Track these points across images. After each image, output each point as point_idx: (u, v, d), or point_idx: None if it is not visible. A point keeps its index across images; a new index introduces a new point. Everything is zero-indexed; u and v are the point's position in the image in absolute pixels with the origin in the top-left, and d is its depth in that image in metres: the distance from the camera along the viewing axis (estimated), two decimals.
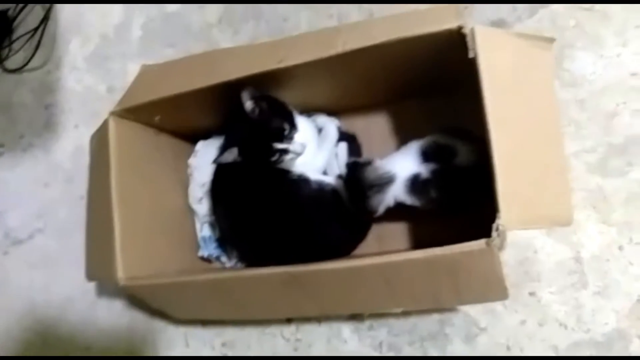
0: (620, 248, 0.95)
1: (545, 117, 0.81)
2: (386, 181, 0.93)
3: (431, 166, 0.92)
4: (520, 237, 1.00)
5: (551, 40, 0.82)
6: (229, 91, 0.92)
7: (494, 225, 0.70)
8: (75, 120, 1.39)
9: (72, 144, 1.37)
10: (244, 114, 0.92)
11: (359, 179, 0.94)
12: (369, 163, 0.95)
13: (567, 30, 1.01)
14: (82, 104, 1.39)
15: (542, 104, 0.82)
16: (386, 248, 1.08)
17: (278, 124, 0.93)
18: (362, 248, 1.08)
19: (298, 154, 0.95)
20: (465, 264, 0.77)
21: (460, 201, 0.94)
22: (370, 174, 0.94)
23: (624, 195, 0.96)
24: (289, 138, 0.94)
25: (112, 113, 0.99)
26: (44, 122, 1.41)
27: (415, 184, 0.92)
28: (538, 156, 0.78)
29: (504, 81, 0.76)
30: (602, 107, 0.98)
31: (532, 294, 0.99)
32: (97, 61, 1.42)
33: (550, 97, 0.83)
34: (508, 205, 0.70)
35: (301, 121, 1.00)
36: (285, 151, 0.94)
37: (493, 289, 0.84)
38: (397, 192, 0.94)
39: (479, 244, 0.72)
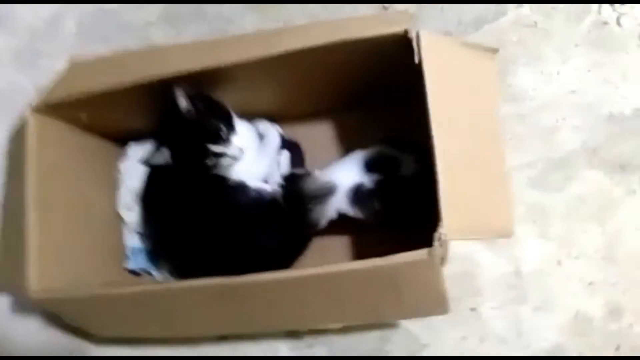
0: (559, 263, 0.95)
1: (488, 128, 0.81)
2: (327, 192, 0.90)
3: (375, 177, 0.89)
4: (461, 250, 0.99)
5: (495, 50, 0.82)
6: (164, 89, 0.86)
7: (436, 234, 0.67)
8: None
9: None
10: (177, 113, 0.86)
11: (298, 191, 0.91)
12: (308, 174, 0.92)
13: (511, 46, 1.02)
14: (5, 102, 1.28)
15: (485, 113, 0.81)
16: (328, 262, 1.03)
17: (214, 125, 0.88)
18: (303, 261, 1.03)
19: (235, 159, 0.89)
20: (406, 275, 0.74)
21: (404, 213, 0.91)
22: (309, 185, 0.91)
23: (563, 209, 0.96)
24: (227, 141, 0.89)
25: (33, 109, 0.90)
26: None
27: (358, 194, 0.89)
28: (480, 165, 0.77)
29: (449, 87, 0.75)
30: (543, 122, 0.99)
31: (473, 309, 0.98)
32: (25, 57, 1.31)
33: (492, 108, 0.82)
34: (450, 214, 0.68)
35: (241, 125, 0.95)
36: (221, 155, 0.88)
37: (434, 302, 0.81)
38: (339, 203, 0.91)
39: (420, 253, 0.69)
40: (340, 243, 1.05)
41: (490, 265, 0.98)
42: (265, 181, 1.03)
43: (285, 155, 1.05)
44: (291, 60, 0.79)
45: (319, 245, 1.04)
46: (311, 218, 0.91)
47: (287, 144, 1.07)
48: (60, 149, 0.96)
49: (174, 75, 0.84)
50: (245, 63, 0.80)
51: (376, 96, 1.00)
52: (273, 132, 1.05)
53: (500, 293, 0.97)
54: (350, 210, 0.91)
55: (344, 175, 0.91)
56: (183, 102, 0.86)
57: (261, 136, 1.05)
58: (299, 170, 0.95)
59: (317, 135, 1.09)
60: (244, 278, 0.76)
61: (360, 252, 1.03)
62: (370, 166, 0.90)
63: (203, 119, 0.88)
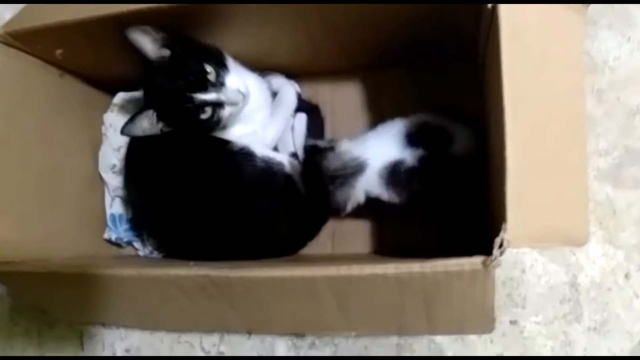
0: (627, 276, 0.78)
1: (571, 107, 0.62)
2: (353, 170, 0.73)
3: (418, 152, 0.71)
4: (507, 251, 0.81)
5: (585, 4, 0.62)
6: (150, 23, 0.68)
7: (497, 240, 0.51)
8: None
9: None
10: (147, 62, 0.70)
11: (318, 168, 0.74)
12: (331, 148, 0.75)
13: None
14: None
15: (569, 88, 0.62)
16: (341, 249, 0.88)
17: (196, 65, 0.70)
18: (311, 247, 0.87)
19: (235, 104, 0.71)
20: (448, 286, 0.57)
21: (450, 199, 0.74)
22: (332, 161, 0.74)
23: (637, 211, 0.78)
24: (218, 85, 0.71)
25: None
26: None
27: (396, 173, 0.72)
28: (557, 154, 0.58)
29: (529, 47, 0.56)
30: (624, 101, 0.80)
31: (513, 322, 0.81)
32: None
33: (577, 81, 0.63)
34: (517, 215, 0.51)
35: (240, 70, 0.77)
36: (218, 105, 0.71)
37: (476, 319, 0.65)
38: (368, 185, 0.74)
39: (472, 262, 0.53)
40: (357, 228, 0.87)
41: (541, 272, 0.80)
42: (275, 149, 0.87)
43: (301, 120, 0.88)
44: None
45: (332, 228, 0.88)
46: (333, 201, 0.75)
47: (305, 106, 0.89)
48: (31, 91, 0.79)
49: (172, 7, 0.65)
50: None
51: (425, 52, 0.81)
52: (289, 90, 0.87)
53: (549, 306, 0.80)
54: (384, 193, 0.74)
55: (378, 149, 0.73)
56: (151, 49, 0.69)
57: (274, 94, 0.87)
58: (321, 142, 0.77)
59: (341, 97, 0.90)
60: (235, 272, 0.60)
61: (380, 241, 0.86)
62: (412, 139, 0.72)
63: (180, 62, 0.70)
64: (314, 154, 0.76)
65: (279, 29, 0.75)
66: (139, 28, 0.68)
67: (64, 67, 0.83)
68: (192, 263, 0.70)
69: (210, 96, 0.69)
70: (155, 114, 0.72)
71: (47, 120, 0.82)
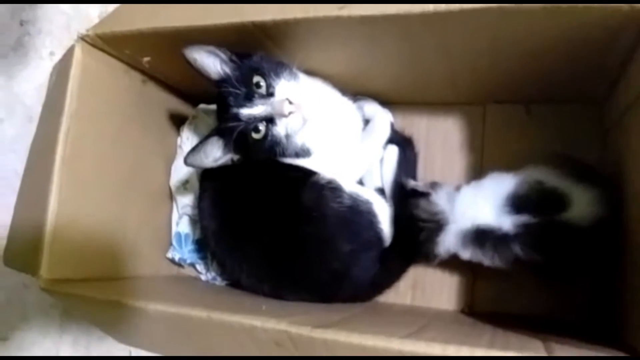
0: None
1: None
2: (435, 226, 0.65)
3: (523, 219, 0.61)
4: None
5: None
6: (250, 37, 0.62)
7: None
8: (52, 46, 1.09)
9: (41, 75, 1.06)
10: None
11: (409, 212, 0.67)
12: (427, 194, 0.67)
13: None
14: (66, 27, 1.08)
15: None
16: (422, 302, 0.79)
17: (244, 78, 0.64)
18: (389, 295, 0.78)
19: (283, 115, 0.63)
20: None
21: (562, 270, 0.63)
22: (422, 210, 0.67)
23: None
24: (267, 97, 0.64)
25: (82, 37, 0.68)
26: (13, 42, 1.10)
27: (485, 238, 0.62)
28: None
29: None
30: None
31: None
32: None
33: None
34: None
35: (311, 85, 0.71)
36: (269, 121, 0.64)
37: None
38: (449, 243, 0.65)
39: None
40: (445, 279, 0.78)
41: None
42: (361, 182, 0.78)
43: (393, 153, 0.79)
44: (470, 26, 0.53)
45: (415, 278, 0.78)
46: (427, 248, 0.66)
47: (398, 138, 0.80)
48: (112, 95, 0.75)
49: (274, 21, 0.59)
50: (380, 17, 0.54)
51: (544, 90, 0.71)
52: (383, 119, 0.79)
53: None
54: (467, 254, 0.65)
55: (469, 208, 0.64)
56: (209, 65, 0.65)
57: (366, 121, 0.79)
58: (420, 185, 0.68)
59: (440, 132, 0.82)
60: (324, 333, 0.52)
61: (470, 297, 0.76)
62: (518, 203, 0.61)
63: (232, 79, 0.64)
64: (409, 197, 0.68)
65: (382, 51, 0.67)
66: (200, 47, 0.64)
67: (148, 74, 0.78)
68: (264, 307, 0.63)
69: (256, 110, 0.62)
70: (222, 140, 0.66)
71: (124, 127, 0.78)
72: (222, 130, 0.66)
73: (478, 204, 0.64)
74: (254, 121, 0.63)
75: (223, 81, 0.65)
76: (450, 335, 0.59)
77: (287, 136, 0.65)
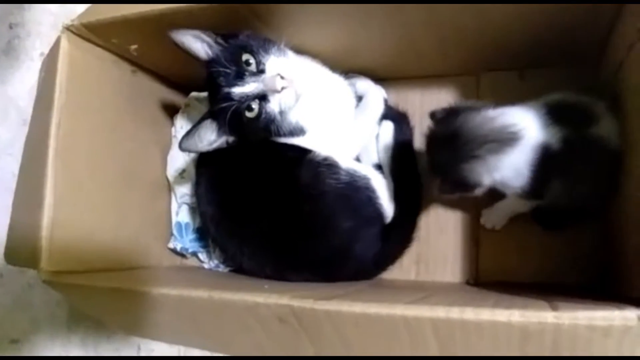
0: None
1: None
2: (510, 138, 0.57)
3: (565, 132, 0.57)
4: None
5: None
6: (242, 18, 0.62)
7: None
8: (42, 47, 1.09)
9: (33, 77, 1.05)
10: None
11: (459, 132, 0.58)
12: (477, 109, 0.59)
13: None
14: (55, 27, 1.08)
15: None
16: (426, 277, 0.78)
17: (233, 57, 0.63)
18: (393, 271, 0.77)
19: (275, 91, 0.63)
20: (587, 343, 0.46)
21: (573, 203, 0.61)
22: (482, 124, 0.58)
23: None
24: (258, 74, 0.63)
25: (67, 27, 0.68)
26: (4, 45, 1.11)
27: (546, 157, 0.57)
28: None
29: None
30: None
31: None
32: None
33: None
34: None
35: (301, 62, 0.71)
36: (262, 98, 0.63)
37: None
38: (517, 163, 0.57)
39: (625, 317, 0.43)
40: (449, 252, 0.78)
41: None
42: (358, 159, 0.78)
43: (388, 128, 0.78)
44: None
45: (419, 253, 0.78)
46: (472, 174, 0.58)
47: (392, 113, 0.80)
48: (102, 87, 0.75)
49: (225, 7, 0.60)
50: None
51: (536, 57, 0.70)
52: (376, 95, 0.79)
53: None
54: (524, 179, 0.58)
55: (529, 122, 0.58)
56: (196, 47, 0.65)
57: (359, 98, 0.78)
58: (462, 104, 0.63)
59: (435, 104, 0.78)
60: (327, 304, 0.51)
61: (480, 269, 0.75)
62: (555, 116, 0.58)
63: (221, 58, 0.63)
64: (453, 115, 0.60)
65: (372, 26, 0.67)
66: (185, 32, 0.63)
67: (138, 64, 0.78)
68: (266, 286, 0.63)
69: (248, 87, 0.62)
70: (215, 123, 0.66)
71: (117, 119, 0.77)
72: (216, 112, 0.65)
73: (531, 118, 0.58)
74: (246, 99, 0.63)
75: (213, 61, 0.64)
76: (453, 299, 0.58)
77: (281, 113, 0.65)
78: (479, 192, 0.61)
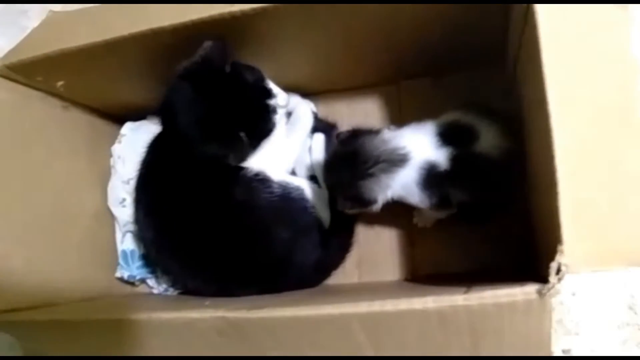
0: None
1: (622, 105, 0.55)
2: (399, 159, 0.63)
3: (450, 151, 0.63)
4: None
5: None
6: (164, 46, 0.64)
7: (554, 265, 0.45)
8: None
9: None
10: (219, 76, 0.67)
11: (357, 152, 0.64)
12: (376, 132, 0.67)
13: None
14: None
15: (618, 86, 0.55)
16: (369, 278, 0.81)
17: (254, 75, 0.70)
18: (337, 277, 0.80)
19: (284, 107, 0.74)
20: (498, 320, 0.50)
21: (480, 204, 0.66)
22: (378, 145, 0.64)
23: None
24: (274, 94, 0.72)
25: None
26: None
27: (432, 175, 0.64)
28: (612, 162, 0.52)
29: (571, 47, 0.50)
30: None
31: (566, 351, 0.73)
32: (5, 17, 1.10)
33: (628, 77, 0.56)
34: (575, 234, 0.45)
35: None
36: (274, 110, 0.72)
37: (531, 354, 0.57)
38: (405, 181, 0.64)
39: (526, 292, 0.47)
40: (387, 253, 0.81)
41: (593, 294, 0.72)
42: (292, 172, 0.81)
43: (319, 140, 0.82)
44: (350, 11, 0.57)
45: (358, 255, 0.81)
46: (367, 191, 0.64)
47: (322, 125, 0.83)
48: (33, 126, 0.76)
49: (174, 25, 0.61)
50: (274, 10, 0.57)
51: (444, 61, 0.75)
52: (305, 110, 0.82)
53: (607, 332, 0.71)
54: (416, 195, 0.65)
55: (417, 144, 0.64)
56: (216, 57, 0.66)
57: (288, 114, 0.82)
58: (361, 128, 0.69)
59: (361, 114, 0.85)
60: (259, 312, 0.54)
61: (415, 266, 0.79)
62: (444, 137, 0.64)
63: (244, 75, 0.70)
64: (352, 138, 0.66)
65: (291, 44, 0.71)
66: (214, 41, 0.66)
67: (68, 99, 0.79)
68: (207, 302, 0.65)
69: (274, 102, 0.71)
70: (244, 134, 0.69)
71: (51, 155, 0.78)
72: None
73: (421, 140, 0.65)
74: (273, 110, 0.71)
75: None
76: (383, 296, 0.61)
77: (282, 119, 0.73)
78: (376, 208, 0.66)
